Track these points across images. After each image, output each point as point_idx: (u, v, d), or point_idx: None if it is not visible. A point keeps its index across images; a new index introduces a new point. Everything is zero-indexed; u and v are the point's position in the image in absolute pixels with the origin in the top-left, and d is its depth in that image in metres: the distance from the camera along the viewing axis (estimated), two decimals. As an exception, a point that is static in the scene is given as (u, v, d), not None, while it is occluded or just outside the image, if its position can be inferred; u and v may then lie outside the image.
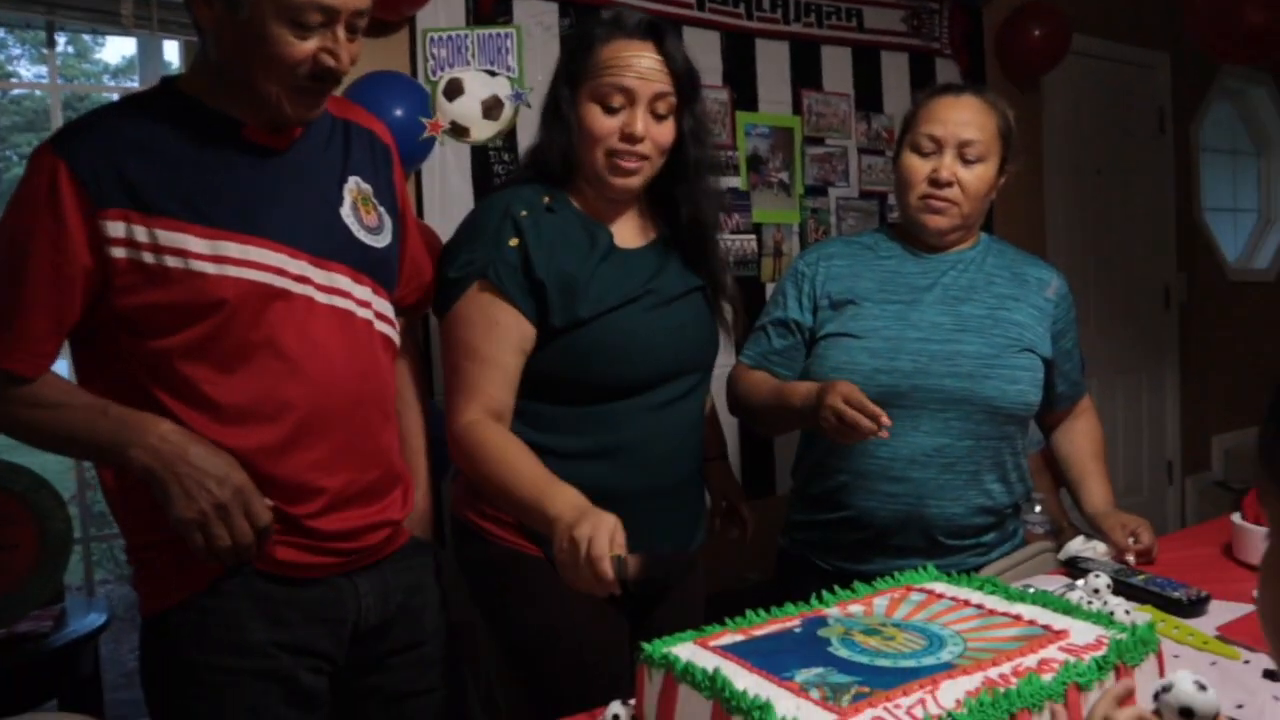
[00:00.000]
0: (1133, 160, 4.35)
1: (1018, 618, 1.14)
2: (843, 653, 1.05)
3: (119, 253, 1.24)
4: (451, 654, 1.54)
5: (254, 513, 1.25)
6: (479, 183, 2.48)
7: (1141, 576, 1.53)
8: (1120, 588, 1.47)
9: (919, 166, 1.71)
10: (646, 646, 1.08)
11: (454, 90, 2.48)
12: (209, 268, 1.26)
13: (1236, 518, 1.69)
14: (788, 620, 1.17)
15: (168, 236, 1.24)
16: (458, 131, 2.49)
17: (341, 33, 1.26)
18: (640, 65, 1.49)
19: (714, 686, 0.96)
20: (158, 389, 1.27)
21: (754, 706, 0.91)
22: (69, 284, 1.24)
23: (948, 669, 0.99)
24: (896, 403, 1.57)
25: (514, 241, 1.48)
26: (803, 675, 0.99)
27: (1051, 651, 1.03)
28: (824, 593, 1.23)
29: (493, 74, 2.52)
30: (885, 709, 0.91)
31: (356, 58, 1.31)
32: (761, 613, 1.18)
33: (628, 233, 1.60)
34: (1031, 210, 3.78)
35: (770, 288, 2.92)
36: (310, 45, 1.25)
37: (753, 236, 2.95)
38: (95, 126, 1.28)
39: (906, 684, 0.96)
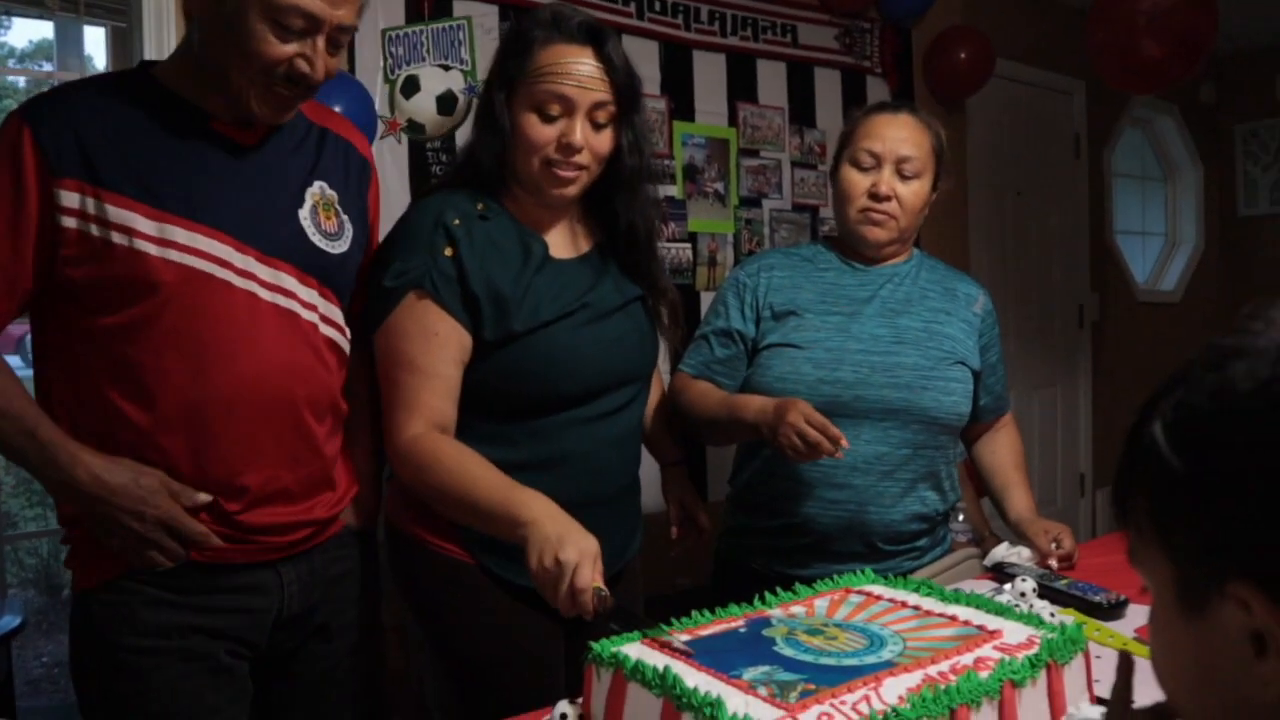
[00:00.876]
0: (1050, 183, 4.51)
1: (953, 618, 1.17)
2: (788, 652, 1.07)
3: (69, 222, 1.24)
4: (373, 644, 1.55)
5: (184, 532, 1.29)
6: (416, 182, 2.46)
7: (1064, 581, 1.58)
8: (1044, 592, 1.52)
9: (859, 180, 1.75)
10: (595, 646, 1.09)
11: (411, 88, 2.46)
12: (152, 249, 1.26)
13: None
14: (732, 621, 1.19)
15: (117, 213, 1.25)
16: (414, 129, 2.47)
17: (321, 43, 1.27)
18: (579, 72, 1.45)
19: (664, 684, 0.98)
20: (102, 376, 1.28)
21: (705, 703, 0.92)
22: (22, 241, 1.25)
23: (889, 667, 1.02)
24: (838, 412, 1.61)
25: (448, 251, 1.44)
26: (750, 673, 1.01)
27: (986, 650, 1.07)
28: (767, 594, 1.26)
29: (447, 68, 2.50)
30: (831, 705, 0.94)
31: (333, 72, 1.32)
32: (706, 613, 1.20)
33: (562, 242, 1.57)
34: (955, 227, 3.88)
35: (705, 296, 2.95)
36: (289, 49, 1.26)
37: (688, 245, 2.98)
38: (64, 98, 1.30)
39: (850, 681, 0.98)
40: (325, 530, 1.45)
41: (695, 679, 0.99)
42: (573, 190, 1.50)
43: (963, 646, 1.08)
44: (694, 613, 1.20)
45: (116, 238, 1.24)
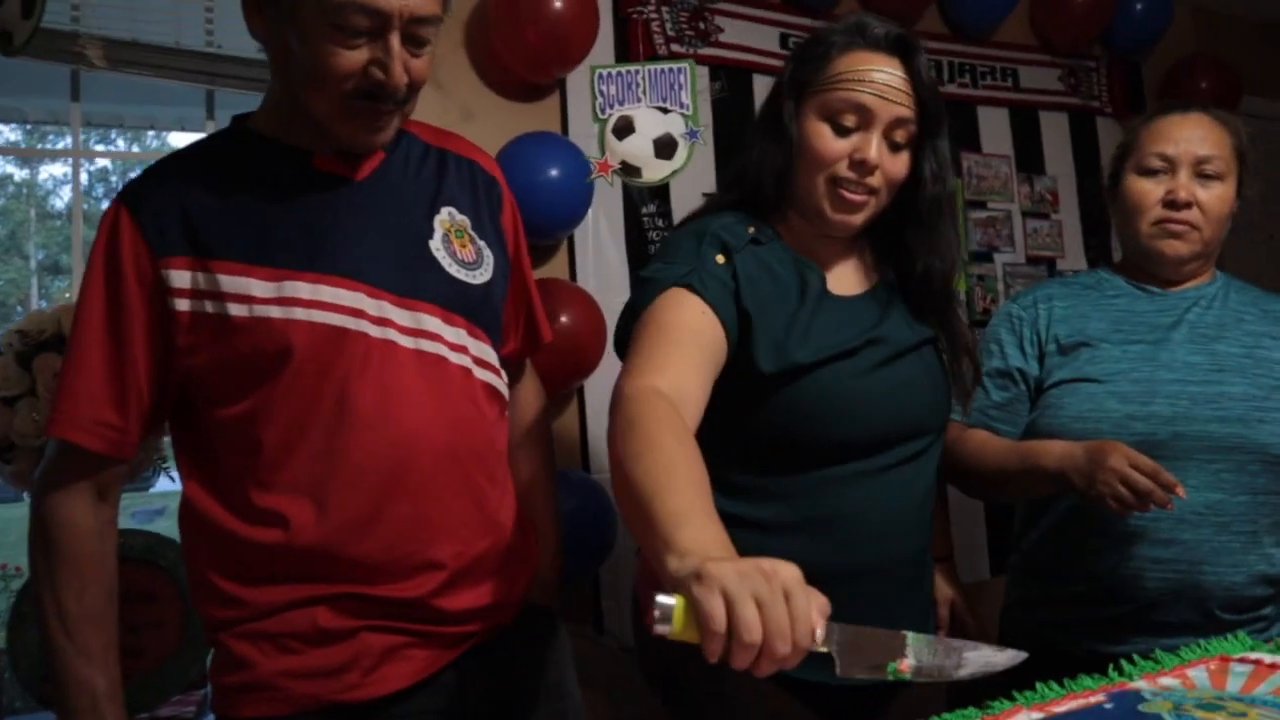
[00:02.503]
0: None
1: (1396, 692, 0.90)
2: (1187, 732, 0.83)
3: (182, 305, 1.12)
4: None
5: None
6: (634, 249, 2.38)
7: None
8: None
9: (1150, 190, 1.52)
10: (930, 725, 0.88)
11: (624, 128, 2.37)
12: (275, 311, 1.12)
13: None
14: (1089, 695, 0.95)
15: (230, 281, 1.12)
16: (629, 171, 2.38)
17: (395, 42, 1.10)
18: (882, 81, 1.26)
19: (1046, 769, 0.75)
20: (246, 476, 1.15)
21: (1115, 794, 0.70)
22: (127, 337, 1.13)
23: (1343, 752, 0.77)
24: (1155, 453, 1.35)
25: (721, 259, 1.26)
26: (1149, 758, 0.78)
27: None
28: (1124, 664, 1.01)
29: (665, 111, 2.41)
30: (1290, 800, 0.69)
31: (422, 76, 1.15)
32: (1054, 686, 0.96)
33: (844, 277, 1.36)
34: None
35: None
36: (359, 57, 1.10)
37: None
38: (160, 172, 1.19)
39: (1302, 769, 0.73)
40: (509, 614, 1.28)
41: (1083, 764, 0.76)
42: (859, 218, 1.30)
43: None
44: (1039, 685, 0.96)
45: (234, 309, 1.11)
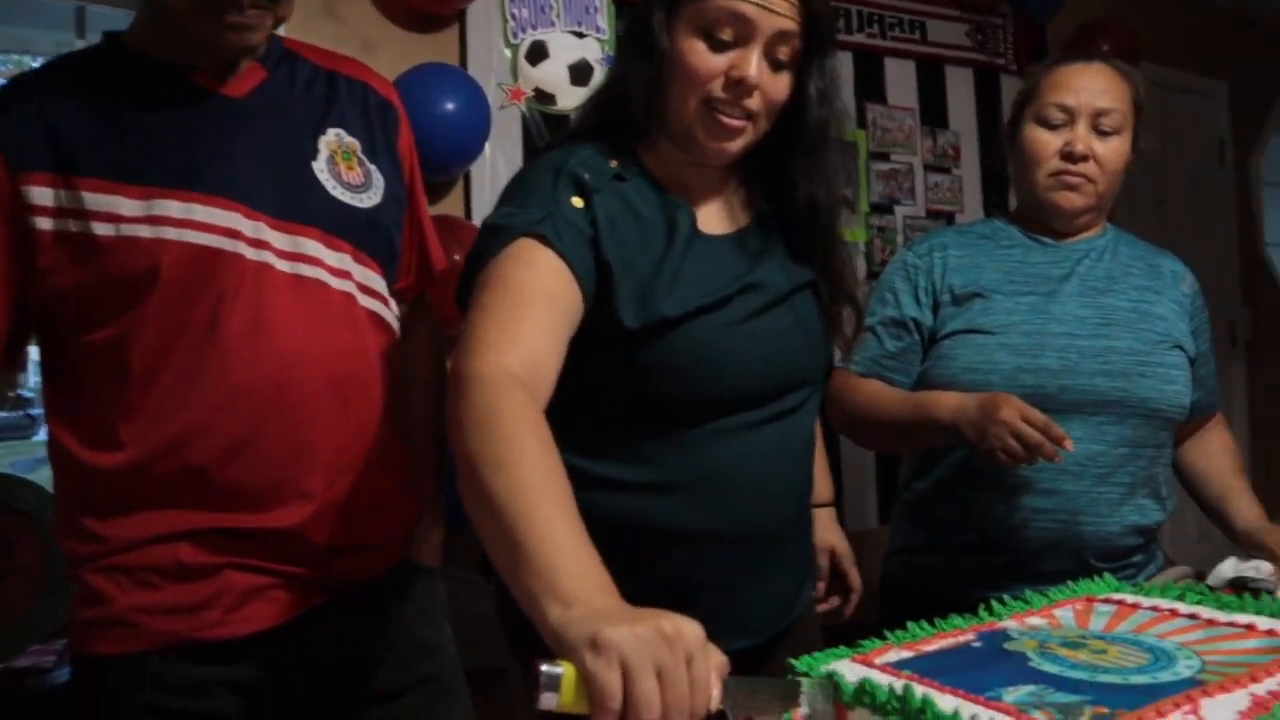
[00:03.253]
0: (1194, 192, 4.18)
1: (1250, 627, 0.92)
2: (1050, 668, 0.84)
3: (44, 224, 1.06)
4: (456, 705, 1.31)
5: None
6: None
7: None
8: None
9: (1049, 141, 1.51)
10: (798, 664, 0.87)
11: (538, 54, 2.29)
12: (143, 231, 1.06)
13: None
14: (958, 634, 0.95)
15: (97, 199, 1.06)
16: (543, 99, 2.30)
17: None
18: None
19: (908, 709, 0.75)
20: (114, 403, 1.09)
21: (974, 730, 0.69)
22: None
23: (1196, 686, 0.78)
24: (1043, 405, 1.36)
25: (578, 202, 1.11)
26: (1012, 694, 0.78)
27: (1318, 668, 0.81)
28: (993, 604, 1.02)
29: (580, 35, 2.32)
30: (1144, 733, 0.70)
31: None
32: (925, 625, 0.96)
33: (715, 214, 1.23)
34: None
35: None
36: None
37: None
38: (21, 85, 1.12)
39: (1156, 703, 0.74)
40: (384, 563, 1.23)
41: (945, 703, 0.76)
42: (736, 145, 1.17)
43: (1284, 662, 0.82)
44: (909, 624, 0.96)
45: (100, 228, 1.05)
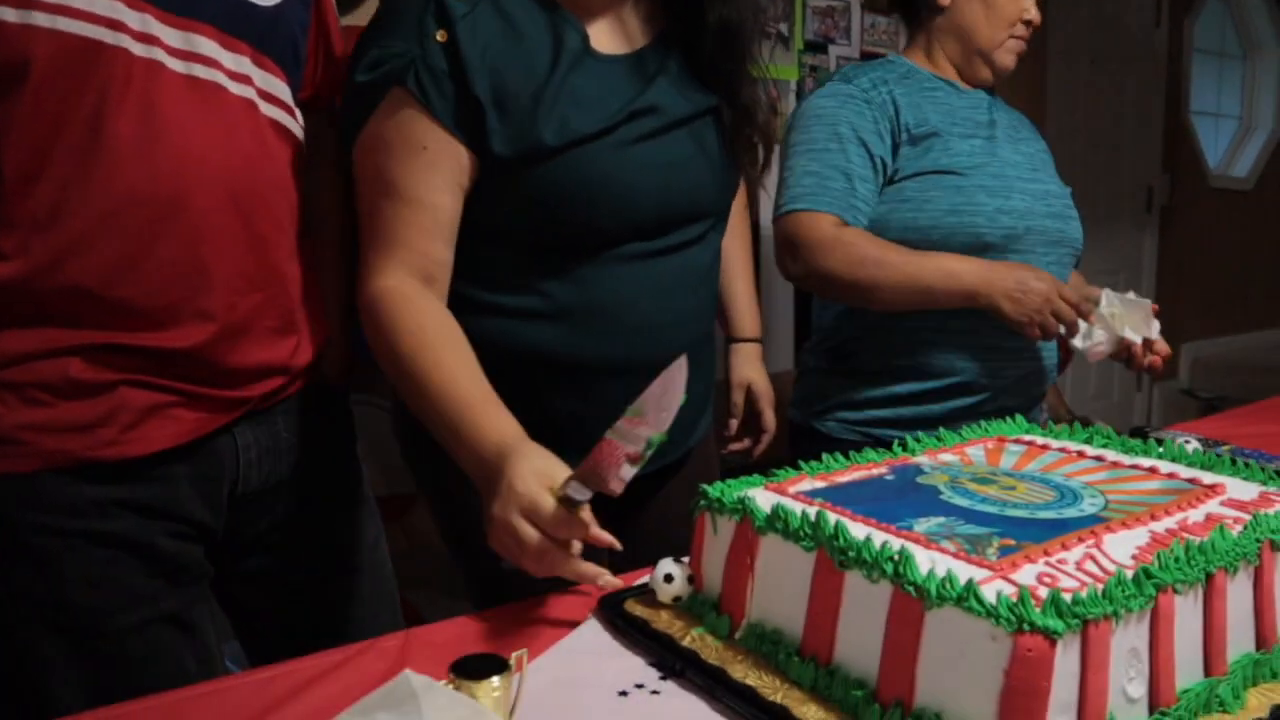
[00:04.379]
0: (1127, 53, 4.16)
1: (1152, 470, 0.94)
2: (960, 501, 0.84)
3: None
4: (366, 530, 1.27)
5: None
6: None
7: (1227, 447, 1.35)
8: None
9: (1025, 5, 1.49)
10: (710, 490, 0.86)
11: None
12: (9, 14, 0.93)
13: (1310, 393, 1.54)
14: (871, 467, 0.95)
15: None
16: None
17: None
18: None
19: (819, 535, 0.74)
20: None
21: (884, 558, 0.69)
22: None
23: (1099, 522, 0.79)
24: (1012, 247, 1.36)
25: (440, 35, 1.04)
26: (922, 525, 0.78)
27: (1214, 507, 0.84)
28: (908, 440, 1.02)
29: None
30: (1048, 564, 0.70)
31: None
32: (839, 458, 0.96)
33: (609, 31, 1.13)
34: (1034, 93, 3.59)
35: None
36: None
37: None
38: None
39: (1061, 537, 0.75)
40: (291, 384, 1.17)
41: (857, 530, 0.75)
42: None
43: (1183, 501, 0.84)
44: (824, 456, 0.96)
45: None
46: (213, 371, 1.08)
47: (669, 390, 0.83)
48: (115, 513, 1.05)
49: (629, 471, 0.81)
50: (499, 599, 0.98)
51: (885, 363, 1.50)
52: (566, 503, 0.82)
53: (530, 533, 0.83)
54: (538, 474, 0.85)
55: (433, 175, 1.05)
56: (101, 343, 1.02)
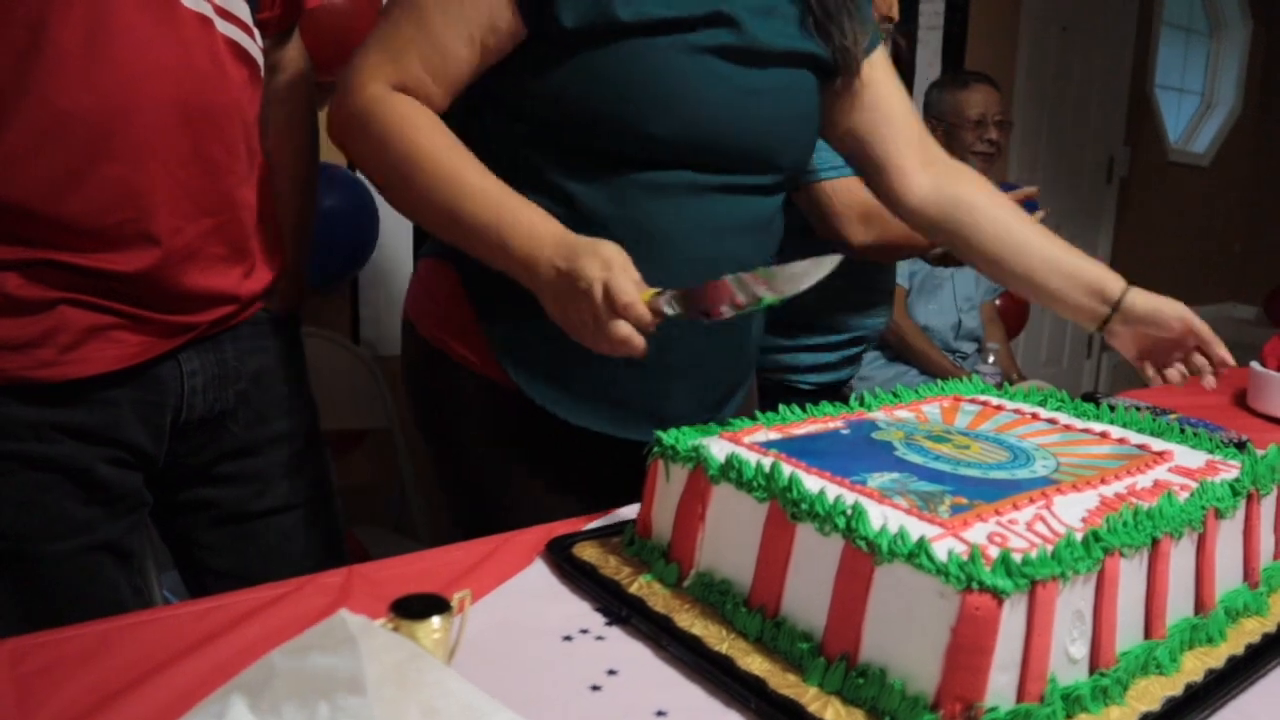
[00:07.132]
0: (1098, 20, 4.15)
1: (1104, 435, 0.94)
2: (914, 458, 0.84)
3: None
4: (314, 464, 1.25)
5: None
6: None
7: (1173, 415, 1.37)
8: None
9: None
10: (664, 436, 0.85)
11: None
12: None
13: (1256, 366, 1.57)
14: (828, 420, 0.95)
15: None
16: None
17: None
18: None
19: (773, 485, 0.74)
20: None
21: (836, 511, 0.68)
22: None
23: (1051, 484, 0.79)
24: None
25: None
26: (876, 480, 0.77)
27: (1162, 474, 0.84)
28: (865, 395, 1.01)
29: None
30: (999, 524, 0.70)
31: None
32: (796, 410, 0.95)
33: None
34: (1006, 56, 3.57)
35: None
36: None
37: None
38: None
39: (1012, 497, 0.75)
40: (240, 313, 1.13)
41: (811, 483, 0.75)
42: None
43: (1133, 467, 0.84)
44: (781, 408, 0.95)
45: None
46: (158, 295, 1.04)
47: (809, 273, 0.87)
48: (52, 436, 1.02)
49: (729, 312, 0.88)
50: None
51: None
52: (652, 309, 0.88)
53: (623, 328, 0.88)
54: (624, 267, 0.89)
55: (463, 18, 0.99)
56: (42, 259, 0.98)
